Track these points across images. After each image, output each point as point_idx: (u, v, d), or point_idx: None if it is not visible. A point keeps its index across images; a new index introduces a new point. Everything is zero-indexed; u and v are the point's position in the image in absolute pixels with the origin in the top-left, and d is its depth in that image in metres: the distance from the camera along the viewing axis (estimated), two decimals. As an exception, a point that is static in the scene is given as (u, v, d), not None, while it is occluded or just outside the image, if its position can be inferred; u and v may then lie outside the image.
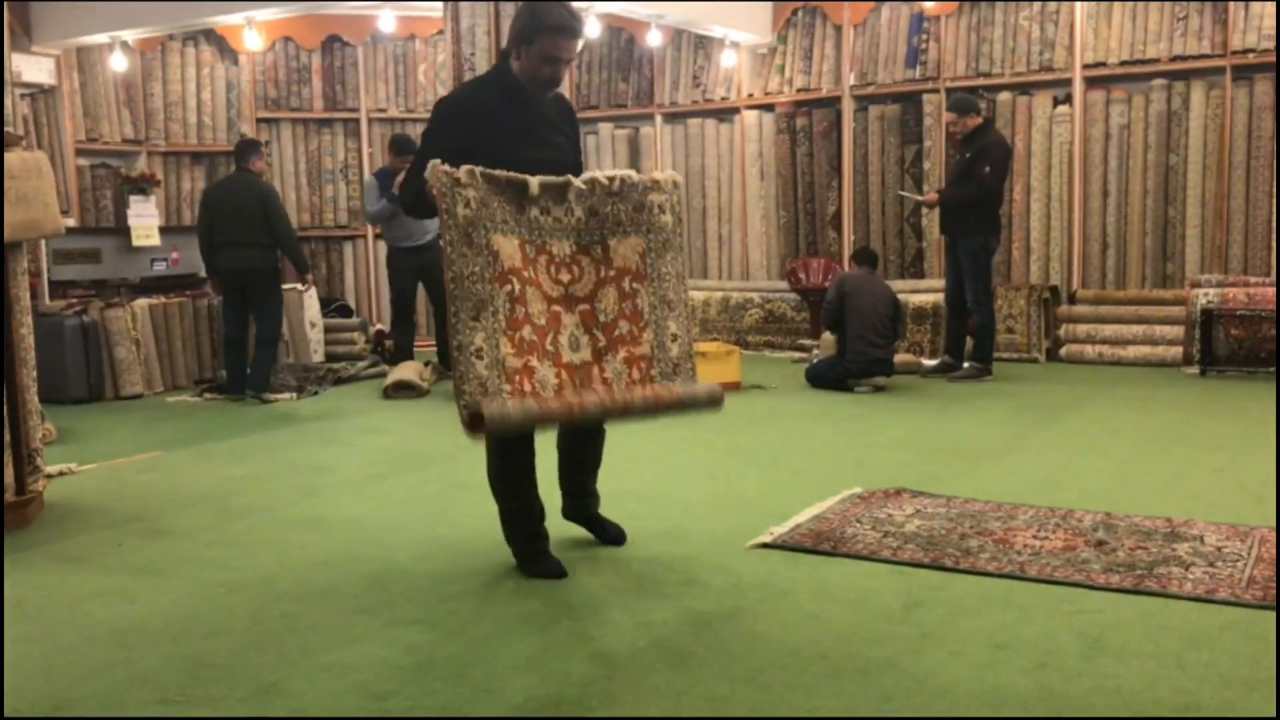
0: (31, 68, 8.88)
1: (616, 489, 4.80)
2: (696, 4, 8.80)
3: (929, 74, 9.24)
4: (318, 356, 9.21)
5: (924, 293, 8.97)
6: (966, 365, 7.85)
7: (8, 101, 4.46)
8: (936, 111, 9.16)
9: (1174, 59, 8.36)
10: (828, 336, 7.83)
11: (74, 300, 8.13)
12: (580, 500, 4.04)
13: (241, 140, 8.43)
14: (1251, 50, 8.08)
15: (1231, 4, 8.11)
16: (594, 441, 4.00)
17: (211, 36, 10.13)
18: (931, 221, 9.12)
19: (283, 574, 3.79)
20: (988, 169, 7.56)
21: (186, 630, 3.25)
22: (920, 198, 8.51)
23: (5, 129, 4.39)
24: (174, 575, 3.80)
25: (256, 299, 7.61)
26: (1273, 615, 3.11)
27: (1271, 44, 8.00)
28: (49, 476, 4.95)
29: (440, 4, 7.56)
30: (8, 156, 4.25)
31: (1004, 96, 8.96)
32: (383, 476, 5.25)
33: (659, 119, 10.54)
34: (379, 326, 9.97)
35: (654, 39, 9.78)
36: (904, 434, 6.03)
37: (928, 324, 8.85)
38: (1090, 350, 8.48)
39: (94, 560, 4.00)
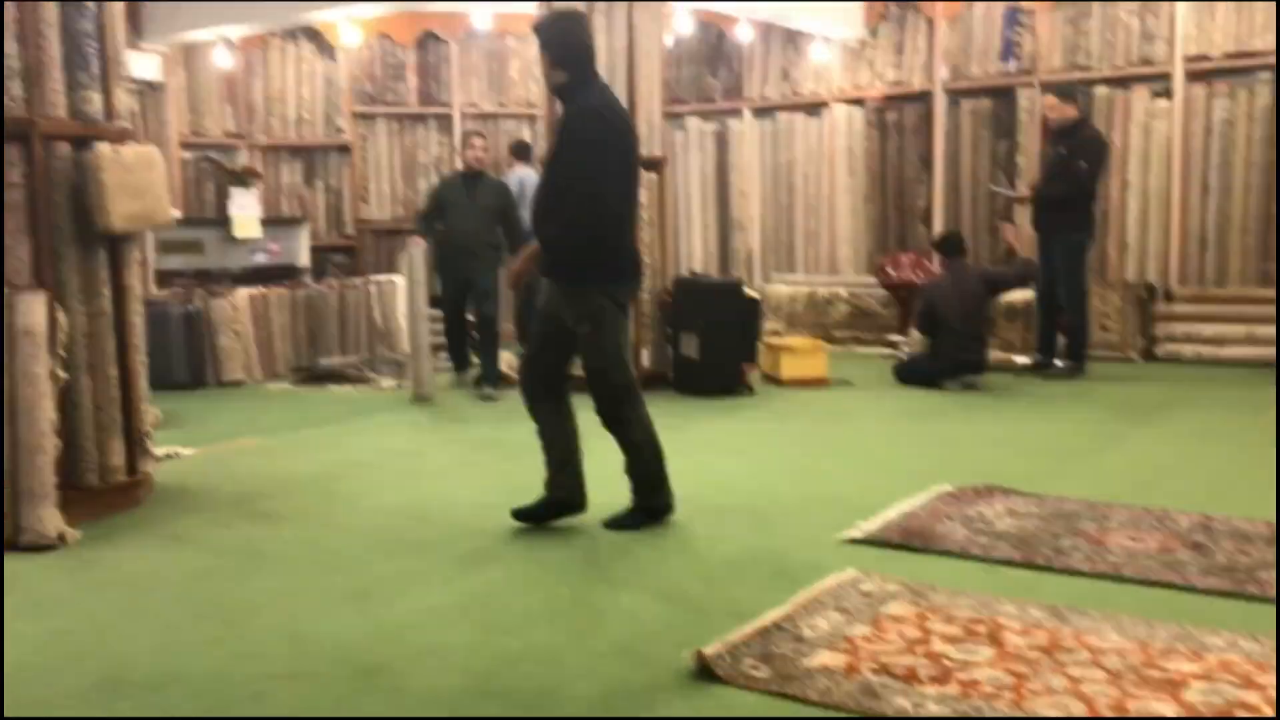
0: (140, 64, 9.18)
1: (704, 482, 4.85)
2: (788, -2, 8.79)
3: (1024, 68, 9.09)
4: (409, 347, 9.37)
5: (1017, 290, 8.82)
6: (1059, 363, 7.72)
7: (121, 97, 4.64)
8: (1031, 106, 9.01)
9: (1281, 51, 8.11)
10: (916, 333, 7.77)
11: (179, 289, 8.41)
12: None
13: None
14: (1364, 42, 7.80)
15: (1344, -6, 7.85)
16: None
17: (311, 34, 10.38)
18: (1024, 218, 8.97)
19: (382, 557, 3.89)
20: (1084, 165, 7.43)
21: (290, 609, 3.37)
22: (1013, 193, 8.39)
23: (119, 123, 4.56)
24: (277, 557, 3.93)
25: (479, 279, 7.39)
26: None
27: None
28: (158, 459, 5.13)
29: (534, 1, 7.64)
30: (122, 150, 4.43)
31: (1101, 91, 8.77)
32: (475, 464, 5.35)
33: (747, 114, 10.52)
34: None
35: (744, 34, 9.78)
36: (995, 432, 5.97)
37: (1020, 321, 8.71)
38: (1188, 350, 8.28)
39: (201, 540, 4.15)
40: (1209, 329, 8.26)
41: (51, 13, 4.27)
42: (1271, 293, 8.14)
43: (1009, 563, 3.66)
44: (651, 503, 4.20)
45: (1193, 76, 8.48)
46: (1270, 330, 8.00)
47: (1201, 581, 3.42)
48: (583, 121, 4.01)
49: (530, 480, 4.37)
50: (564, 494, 4.20)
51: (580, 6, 7.19)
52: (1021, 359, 8.22)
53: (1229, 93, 8.37)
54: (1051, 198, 7.57)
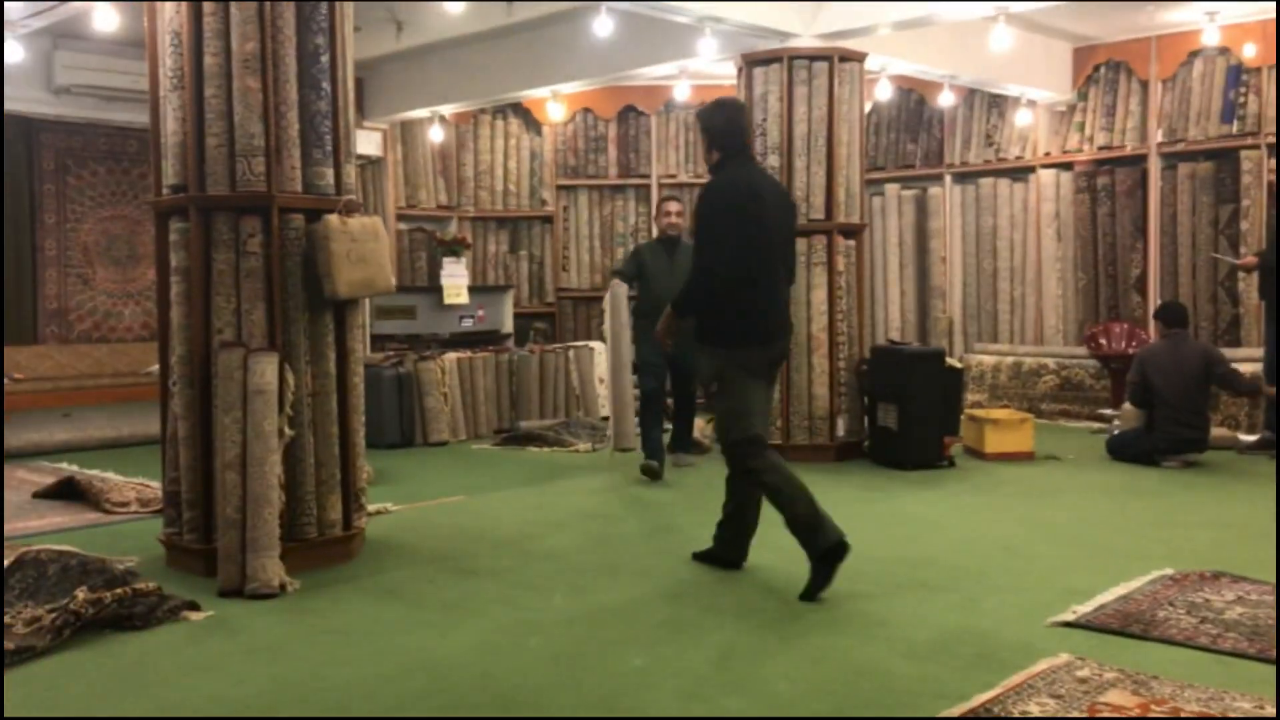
0: (363, 141, 9.77)
1: (904, 557, 4.73)
2: (992, 63, 8.63)
3: (1248, 129, 8.64)
4: (604, 411, 9.54)
5: (1240, 362, 8.29)
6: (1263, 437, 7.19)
7: (349, 171, 4.94)
8: (1256, 169, 8.54)
9: None
10: (1129, 407, 7.38)
11: (391, 353, 8.83)
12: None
13: None
14: None
15: None
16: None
17: (518, 109, 10.84)
18: (1249, 286, 8.47)
19: (580, 617, 3.94)
20: None
21: (492, 667, 3.44)
22: (1236, 261, 7.93)
23: (348, 196, 4.86)
24: (481, 613, 4.02)
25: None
26: None
27: None
28: (370, 514, 5.37)
29: (734, 72, 7.77)
30: (350, 221, 4.71)
31: (1337, 151, 8.25)
32: (671, 528, 5.37)
33: (948, 179, 10.35)
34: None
35: (946, 99, 9.65)
36: (1219, 514, 5.60)
37: (1245, 396, 8.18)
38: None
39: (409, 594, 4.30)
40: None
41: (292, 93, 4.61)
42: None
43: (1241, 655, 3.41)
44: (818, 546, 4.17)
45: None
46: None
47: None
48: (708, 195, 4.40)
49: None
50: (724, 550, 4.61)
51: (781, 76, 7.28)
52: (1247, 436, 7.71)
53: None
54: (1277, 264, 7.13)
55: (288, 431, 4.49)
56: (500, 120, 10.90)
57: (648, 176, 10.95)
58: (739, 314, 4.35)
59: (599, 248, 11.07)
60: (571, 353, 9.46)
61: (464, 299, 9.84)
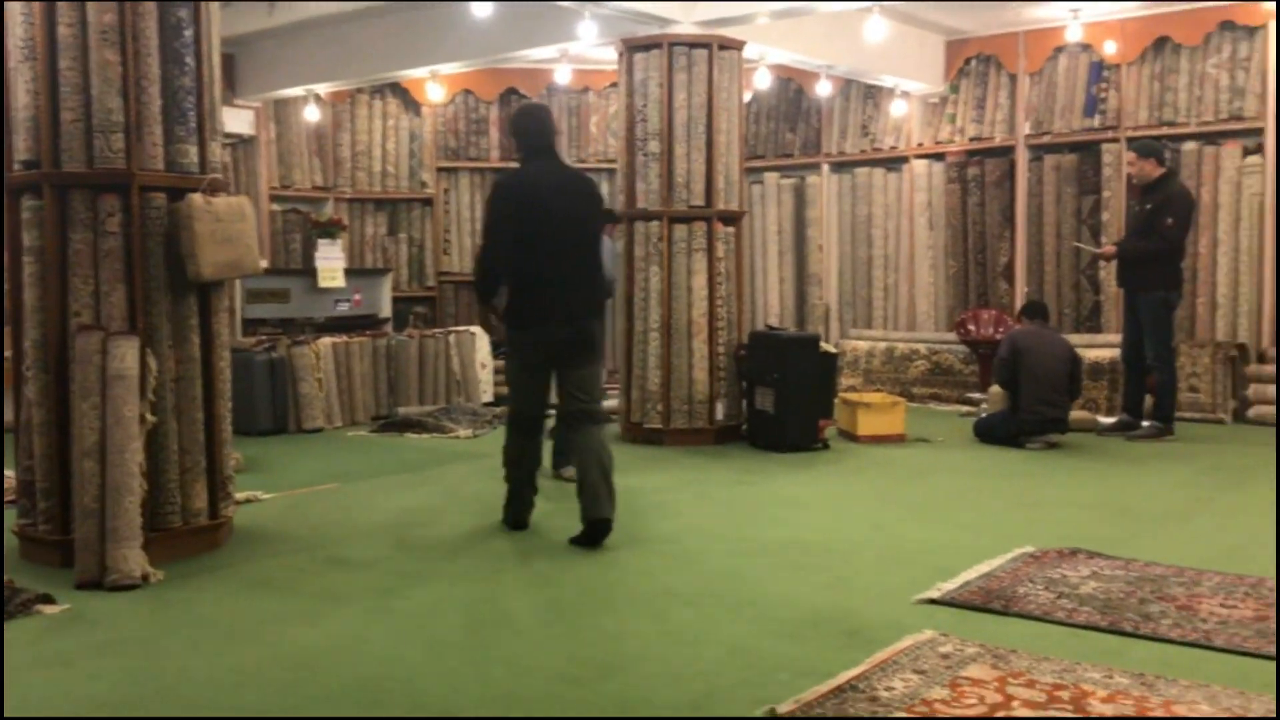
0: (234, 119, 9.48)
1: (777, 538, 4.80)
2: (868, 54, 8.79)
3: (1109, 123, 8.98)
4: (487, 397, 9.47)
5: (1100, 347, 8.66)
6: (1146, 424, 7.52)
7: (215, 150, 4.78)
8: (1116, 161, 8.89)
9: (1379, 107, 7.91)
10: (996, 390, 7.63)
11: (263, 337, 8.60)
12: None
13: None
14: None
15: None
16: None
17: (397, 89, 10.64)
18: (1109, 274, 8.82)
19: (454, 604, 3.91)
20: (1170, 221, 7.28)
21: (364, 655, 3.39)
22: (1097, 250, 8.23)
23: (213, 175, 4.71)
24: (353, 602, 3.95)
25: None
26: None
27: None
28: (238, 503, 5.22)
29: (615, 57, 7.76)
30: (215, 200, 4.56)
31: (1189, 146, 8.62)
32: (550, 515, 5.35)
33: (826, 168, 10.53)
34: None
35: (823, 89, 9.80)
36: (1079, 493, 5.82)
37: (1104, 380, 8.52)
38: (1282, 412, 8.02)
39: (278, 584, 4.20)
40: (1305, 390, 8.00)
41: (154, 67, 4.44)
42: (1370, 354, 7.87)
43: (1094, 628, 3.55)
44: (504, 516, 5.04)
45: (1285, 132, 8.30)
46: (1369, 393, 7.74)
47: (1299, 652, 3.28)
48: (491, 191, 4.94)
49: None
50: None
51: (662, 62, 7.30)
52: (1106, 419, 8.04)
53: (1323, 149, 8.17)
54: (1137, 254, 7.43)
55: (150, 418, 4.34)
56: (378, 100, 10.68)
57: (529, 160, 10.86)
58: (519, 301, 4.81)
59: (480, 231, 10.94)
60: (452, 337, 9.35)
61: (340, 282, 9.64)
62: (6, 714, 2.90)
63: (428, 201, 10.86)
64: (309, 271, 9.64)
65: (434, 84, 9.68)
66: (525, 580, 4.25)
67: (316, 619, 3.76)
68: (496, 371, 9.76)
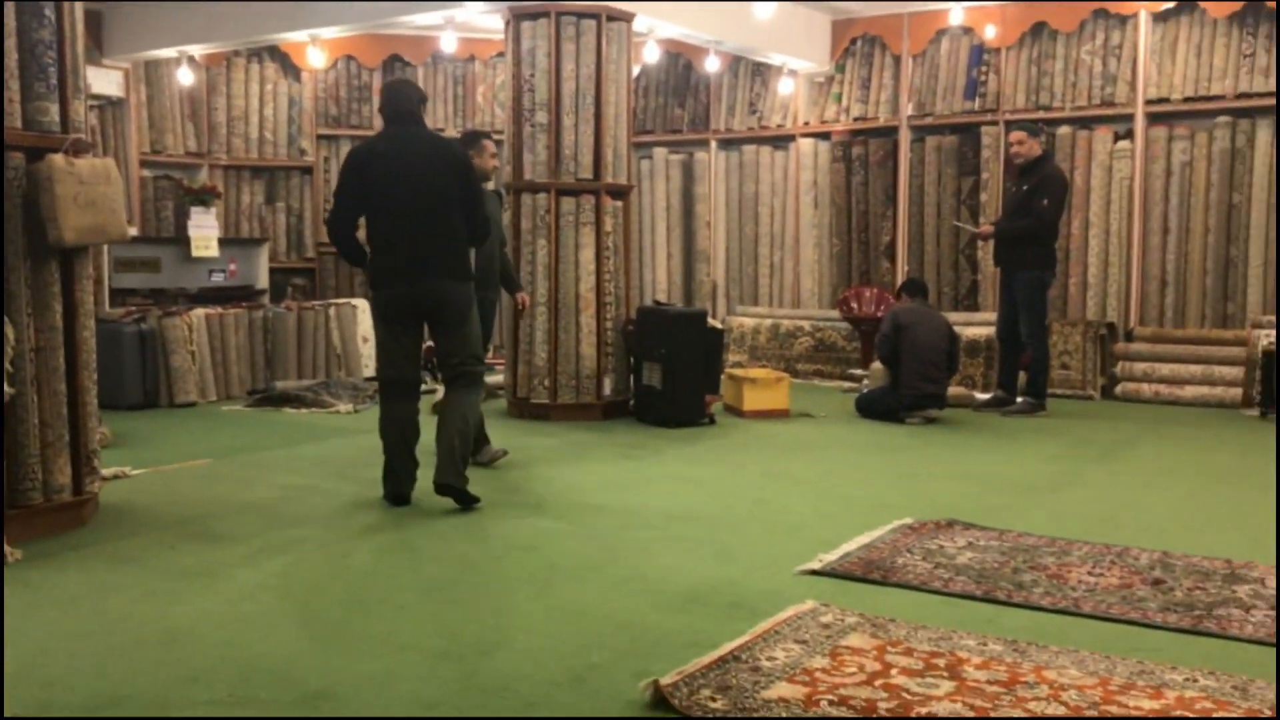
0: (101, 79, 9.07)
1: (663, 512, 4.81)
2: (756, 31, 8.82)
3: (988, 106, 9.19)
4: (368, 371, 9.28)
5: (978, 325, 8.89)
6: (1020, 400, 7.75)
7: (79, 109, 4.55)
8: (995, 143, 9.10)
9: (1239, 96, 8.24)
10: (877, 366, 7.77)
11: (133, 308, 8.27)
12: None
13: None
14: (1319, 89, 7.96)
15: (1300, 42, 8.00)
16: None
17: (275, 53, 10.30)
18: (986, 254, 9.04)
19: (332, 581, 3.81)
20: (1046, 202, 7.49)
21: (236, 633, 3.27)
22: (976, 230, 8.43)
23: (76, 135, 4.47)
24: (225, 579, 3.82)
25: None
26: (1338, 661, 3.04)
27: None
28: (104, 479, 5.01)
29: (501, 26, 7.63)
30: (78, 162, 4.34)
31: (1064, 130, 8.88)
32: (429, 489, 5.25)
33: (714, 145, 10.55)
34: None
35: (712, 65, 9.81)
36: (956, 466, 5.96)
37: (981, 357, 8.75)
38: (1147, 389, 8.34)
39: (146, 562, 4.04)
40: (1167, 368, 8.33)
41: (9, 19, 4.19)
42: (1229, 334, 8.22)
43: (969, 596, 3.63)
44: (383, 490, 5.01)
45: (1153, 119, 8.60)
46: (1227, 371, 8.09)
47: (1161, 618, 3.40)
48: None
49: (493, 499, 4.29)
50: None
51: (550, 31, 7.20)
52: (982, 395, 8.25)
53: (1188, 135, 8.50)
54: (1013, 234, 7.62)
55: (7, 389, 4.12)
56: (256, 64, 10.33)
57: (414, 130, 10.63)
58: (374, 261, 4.94)
59: (348, 199, 10.69)
60: (332, 310, 9.14)
61: (214, 252, 9.32)
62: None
63: (307, 170, 10.57)
64: (182, 240, 9.30)
65: (315, 49, 9.40)
66: (405, 556, 4.17)
67: (186, 597, 3.63)
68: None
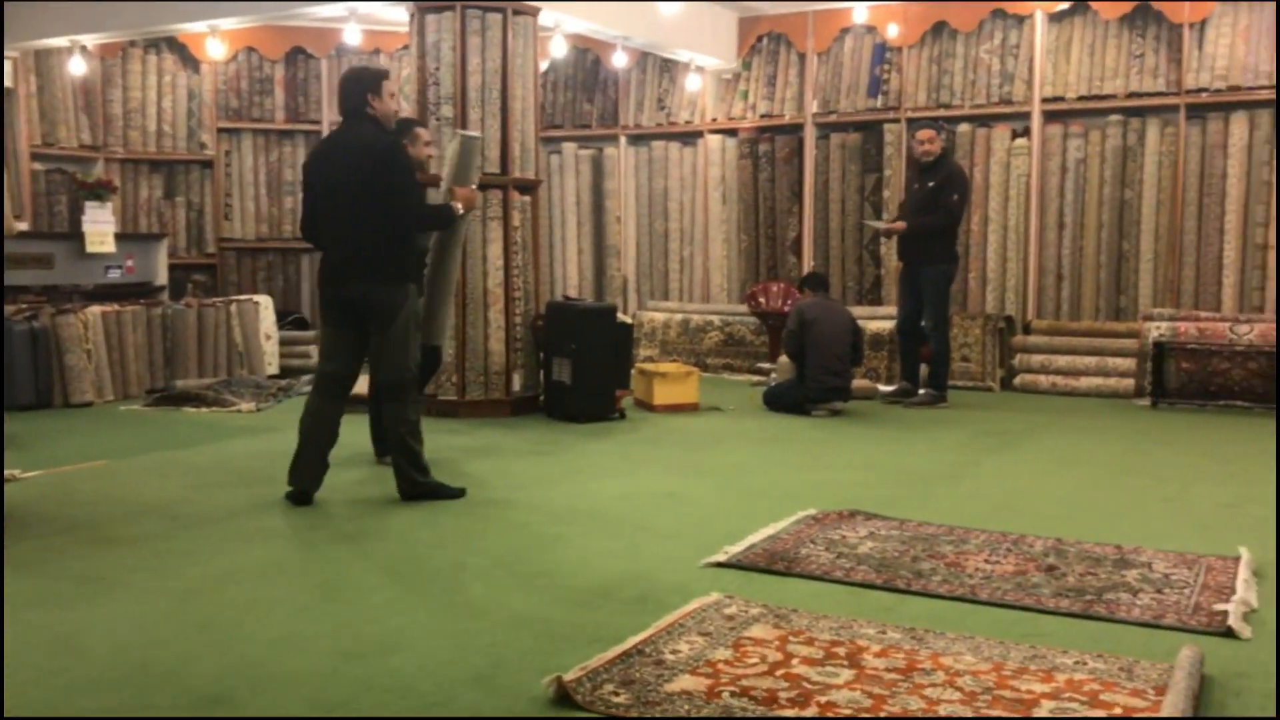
0: (-13, 69, 8.77)
1: (571, 507, 4.81)
2: (663, 27, 8.86)
3: (890, 104, 9.35)
4: (272, 369, 9.12)
5: (881, 319, 9.04)
6: (923, 391, 7.91)
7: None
8: (898, 141, 9.27)
9: (1130, 95, 8.52)
10: (784, 360, 7.86)
11: (24, 306, 8.01)
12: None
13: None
14: (1205, 90, 8.26)
15: (1186, 44, 8.29)
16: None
17: (174, 44, 10.06)
18: (889, 249, 9.21)
19: (232, 582, 3.74)
20: (956, 197, 7.59)
21: (131, 639, 3.19)
22: (887, 226, 8.33)
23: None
24: (120, 584, 3.73)
25: None
26: (1216, 640, 3.16)
27: (1224, 84, 8.18)
28: (-7, 482, 4.85)
29: (406, 19, 7.55)
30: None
31: (964, 128, 9.08)
32: (333, 488, 5.18)
33: (623, 140, 10.57)
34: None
35: (619, 61, 9.83)
36: (859, 457, 6.06)
37: (885, 350, 8.91)
38: (1044, 380, 8.58)
39: (36, 567, 3.92)
40: (1063, 360, 8.57)
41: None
42: (1121, 326, 8.50)
43: (870, 585, 3.70)
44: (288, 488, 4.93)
45: (1049, 116, 8.84)
46: (1120, 362, 8.35)
47: (1053, 603, 3.50)
48: None
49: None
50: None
51: (455, 24, 7.13)
52: (885, 386, 8.40)
53: (1082, 133, 8.75)
54: (926, 228, 7.67)
55: (-116, 391, 3.96)
56: (153, 55, 10.07)
57: (319, 122, 10.48)
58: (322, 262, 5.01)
59: (265, 196, 10.50)
60: (234, 307, 8.96)
61: (109, 248, 9.06)
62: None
63: (207, 164, 10.34)
64: (76, 236, 9.03)
65: (214, 40, 9.20)
66: (308, 556, 4.11)
67: (79, 602, 3.53)
68: (283, 343, 9.42)
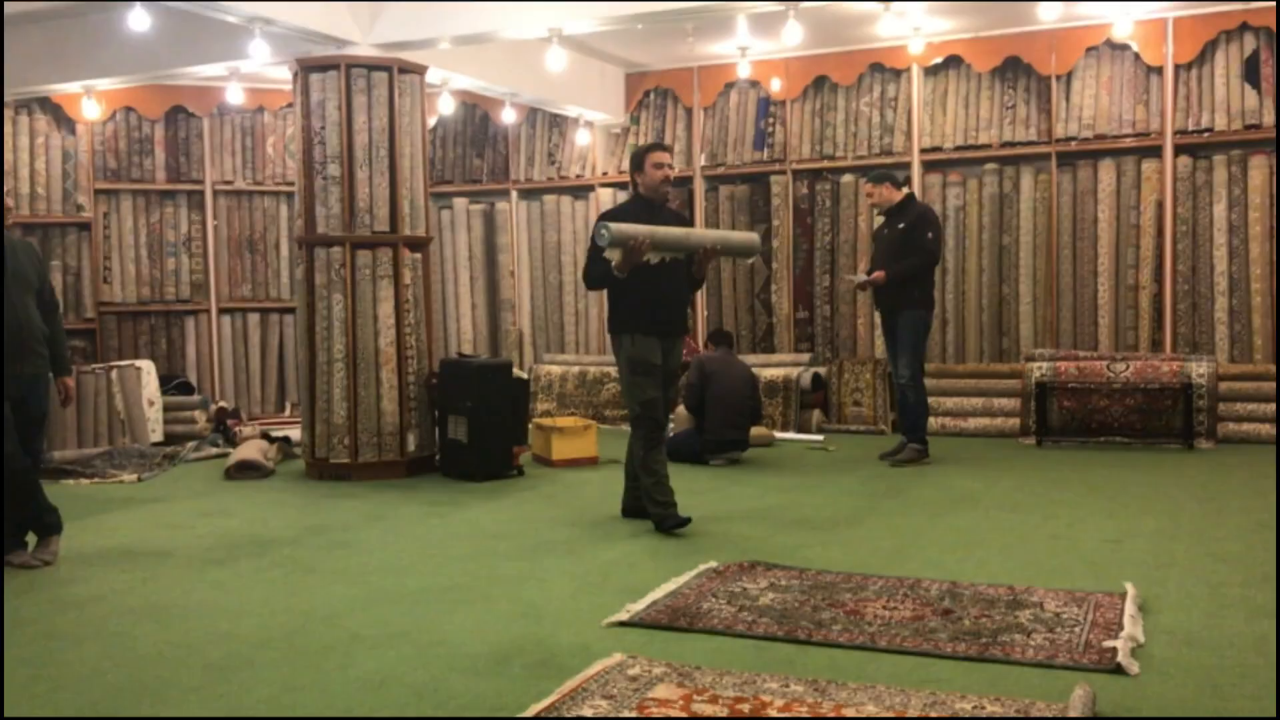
0: None
1: (471, 570, 4.73)
2: (550, 83, 8.91)
3: (776, 156, 9.54)
4: (156, 436, 8.83)
5: (774, 367, 9.15)
6: (910, 446, 7.46)
7: None
8: (784, 191, 9.45)
9: (1004, 145, 8.83)
10: (682, 411, 7.89)
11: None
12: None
13: None
14: (1073, 138, 8.60)
15: (1054, 95, 8.64)
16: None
17: (47, 105, 9.76)
18: (780, 297, 9.34)
19: (114, 668, 3.57)
20: (931, 235, 7.30)
21: (2, 734, 3.02)
22: (868, 279, 7.59)
23: None
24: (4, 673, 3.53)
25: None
26: (1106, 676, 3.23)
27: (1091, 133, 8.54)
28: None
29: (289, 77, 7.46)
30: None
31: (847, 179, 9.30)
32: (222, 561, 5.02)
33: (514, 195, 10.58)
34: (221, 404, 9.63)
35: (508, 116, 9.85)
36: (758, 506, 6.10)
37: (779, 397, 9.01)
38: (933, 422, 8.72)
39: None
40: (951, 402, 8.77)
41: None
42: (1004, 368, 8.73)
43: (772, 638, 3.70)
44: None
45: (928, 166, 9.11)
46: (1005, 402, 8.58)
47: (950, 648, 3.54)
48: None
49: (279, 576, 4.10)
50: None
51: (340, 83, 7.08)
52: (781, 433, 8.45)
53: (960, 181, 9.04)
54: (907, 272, 7.32)
55: None
56: (25, 116, 9.75)
57: (201, 182, 10.25)
58: None
59: (147, 258, 10.20)
60: (115, 373, 8.66)
61: (-18, 315, 8.68)
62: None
63: (85, 226, 10.01)
64: (-57, 304, 8.62)
65: (90, 100, 8.97)
66: (192, 632, 3.94)
67: (-55, 697, 3.33)
68: (166, 408, 9.13)
